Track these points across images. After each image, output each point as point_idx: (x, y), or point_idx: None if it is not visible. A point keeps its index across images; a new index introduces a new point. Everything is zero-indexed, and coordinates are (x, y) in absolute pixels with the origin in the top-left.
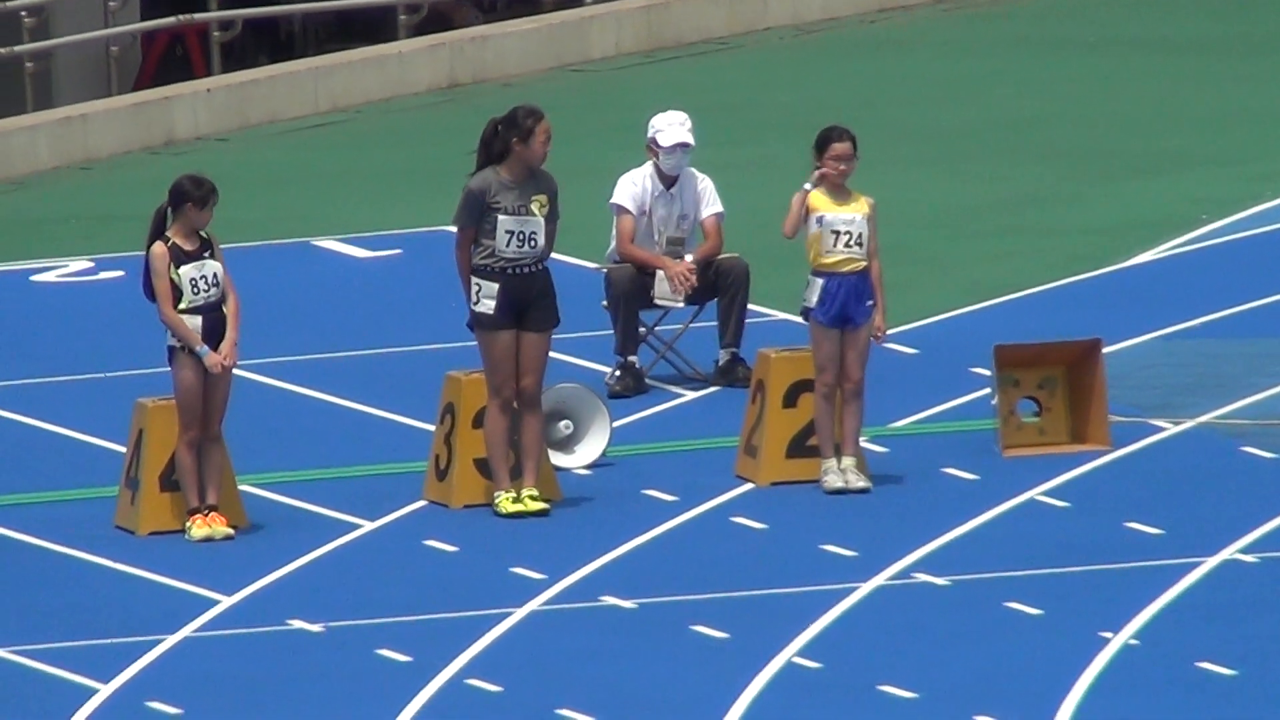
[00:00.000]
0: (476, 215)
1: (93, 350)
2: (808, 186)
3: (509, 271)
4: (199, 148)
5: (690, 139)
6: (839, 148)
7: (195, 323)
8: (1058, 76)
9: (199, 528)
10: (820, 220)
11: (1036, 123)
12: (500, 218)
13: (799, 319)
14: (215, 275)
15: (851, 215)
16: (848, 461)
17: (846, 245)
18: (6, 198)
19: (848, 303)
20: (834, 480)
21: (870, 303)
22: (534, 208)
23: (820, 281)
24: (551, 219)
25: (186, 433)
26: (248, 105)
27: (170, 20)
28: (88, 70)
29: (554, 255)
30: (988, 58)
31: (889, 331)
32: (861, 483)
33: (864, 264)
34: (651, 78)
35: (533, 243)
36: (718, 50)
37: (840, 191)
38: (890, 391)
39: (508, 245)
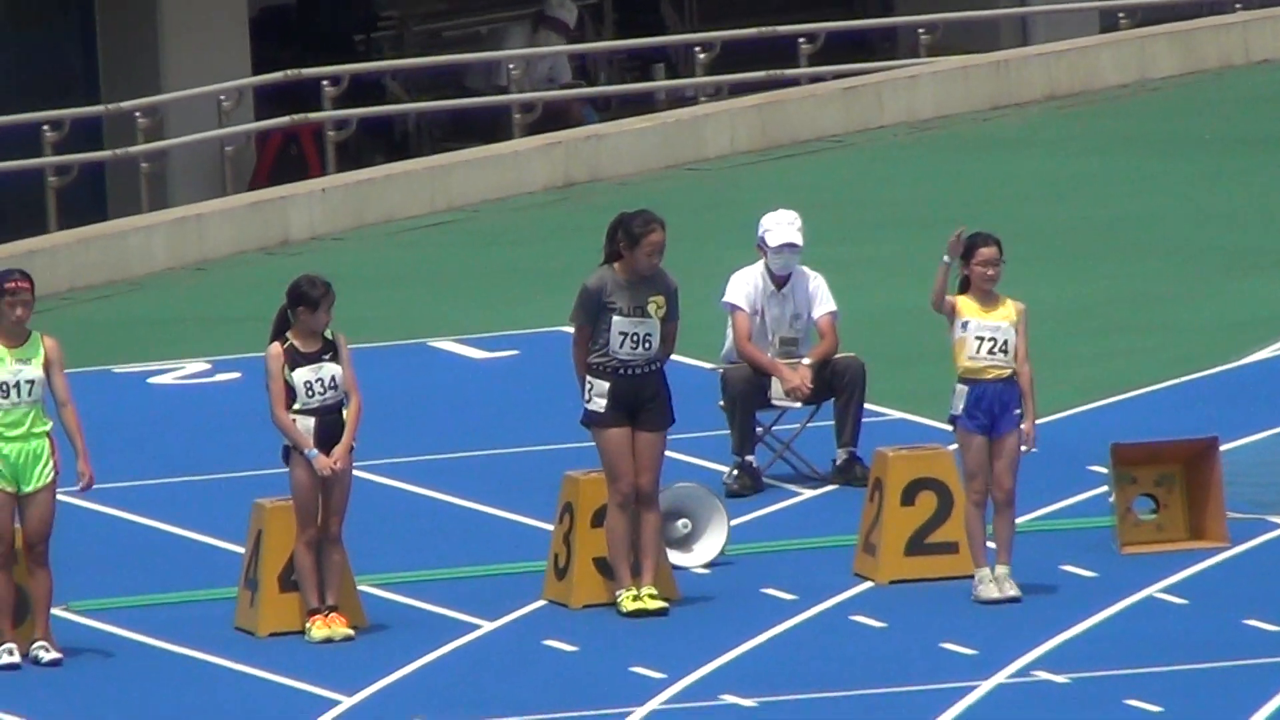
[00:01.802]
0: (593, 314)
1: (211, 451)
2: (946, 260)
3: (621, 372)
4: (314, 248)
5: (798, 239)
6: (985, 253)
7: (308, 424)
8: (1172, 174)
9: (319, 628)
10: (965, 325)
11: (1151, 220)
12: (615, 318)
13: (917, 418)
14: (334, 378)
15: (997, 323)
16: (1001, 570)
17: (990, 352)
18: (123, 299)
19: (993, 410)
20: (989, 590)
21: (1017, 411)
22: (650, 309)
23: (965, 389)
24: (670, 319)
25: (304, 533)
26: (363, 205)
27: (285, 120)
28: (203, 170)
29: (675, 356)
30: (1101, 155)
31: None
32: (1014, 591)
33: (1009, 371)
34: (766, 176)
35: (647, 344)
36: (832, 148)
37: (988, 298)
38: None
39: (621, 346)
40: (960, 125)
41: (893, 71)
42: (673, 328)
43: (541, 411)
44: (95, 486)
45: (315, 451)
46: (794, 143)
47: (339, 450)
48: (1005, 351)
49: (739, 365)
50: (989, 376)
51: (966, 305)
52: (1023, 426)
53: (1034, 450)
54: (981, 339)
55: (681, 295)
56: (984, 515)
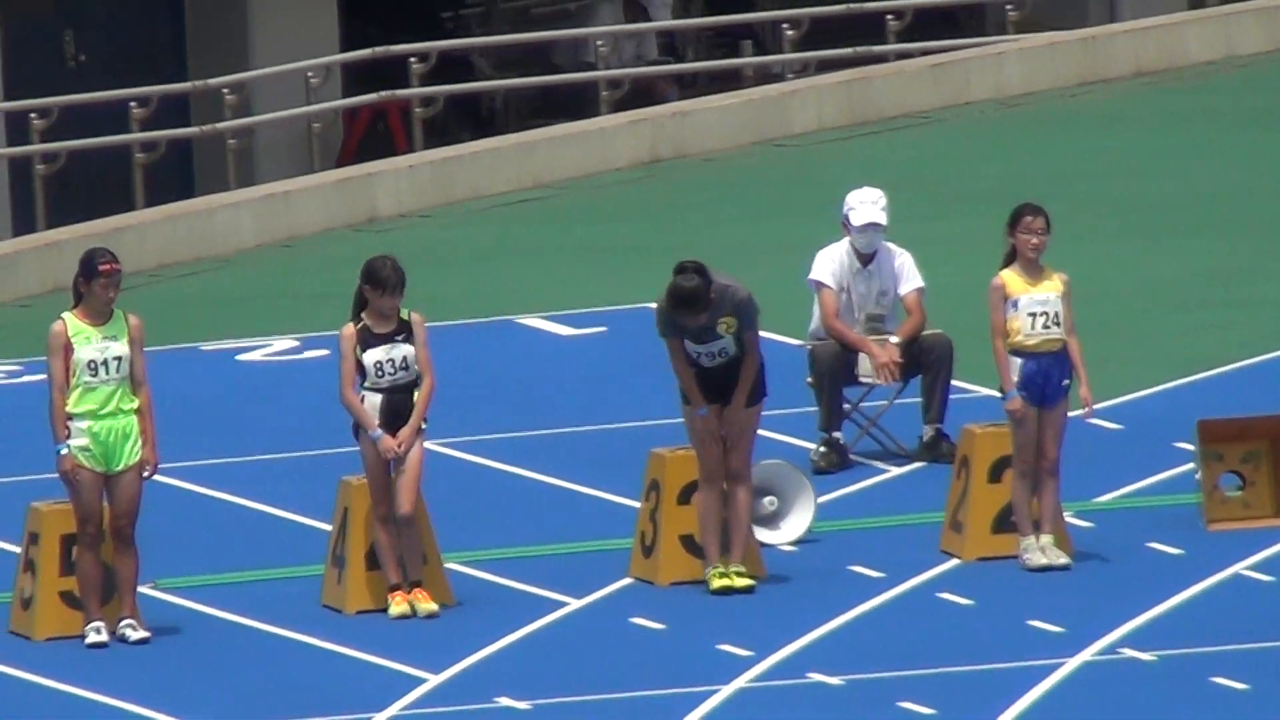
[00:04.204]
0: (672, 330)
1: (298, 429)
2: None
3: (707, 367)
4: (401, 224)
5: (882, 219)
6: (1032, 222)
7: (375, 400)
8: (1259, 149)
9: (397, 604)
10: (1016, 304)
11: (1238, 195)
12: (689, 343)
13: (1000, 394)
14: (405, 359)
15: (1046, 295)
16: (1046, 539)
17: (1045, 326)
18: (211, 276)
19: (1044, 382)
20: (1037, 557)
21: (1065, 383)
22: (720, 329)
23: (1019, 362)
24: (747, 329)
25: (377, 508)
26: (450, 181)
27: (372, 96)
28: (290, 147)
29: (761, 333)
30: (1189, 130)
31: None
32: (1063, 559)
33: (1060, 343)
34: (852, 152)
35: (724, 354)
36: (919, 124)
37: (1034, 269)
38: (1095, 467)
39: (698, 359)
40: (1047, 101)
41: (981, 48)
42: (752, 336)
43: (628, 388)
44: (184, 464)
45: (380, 433)
46: (881, 119)
47: (405, 433)
48: (1057, 324)
49: (827, 342)
50: (1042, 350)
51: (1013, 282)
52: (1082, 392)
53: (1090, 417)
54: (1034, 315)
55: (768, 272)
56: (1029, 486)
